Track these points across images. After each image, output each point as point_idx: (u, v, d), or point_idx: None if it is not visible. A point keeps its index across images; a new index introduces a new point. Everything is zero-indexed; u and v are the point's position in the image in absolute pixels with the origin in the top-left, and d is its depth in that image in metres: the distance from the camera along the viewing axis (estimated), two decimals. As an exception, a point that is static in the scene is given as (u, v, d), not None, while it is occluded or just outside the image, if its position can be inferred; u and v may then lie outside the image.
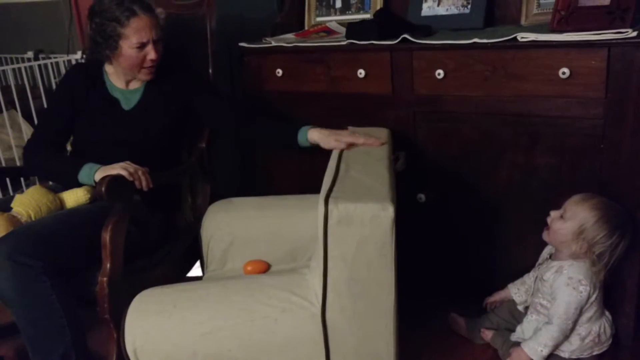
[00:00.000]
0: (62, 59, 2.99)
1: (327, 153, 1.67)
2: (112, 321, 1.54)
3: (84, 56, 1.92)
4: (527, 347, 1.59)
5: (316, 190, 1.46)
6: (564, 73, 1.60)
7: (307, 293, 1.38)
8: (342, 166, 1.50)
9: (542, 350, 1.57)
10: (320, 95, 2.04)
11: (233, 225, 1.83)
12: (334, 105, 2.03)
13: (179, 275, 1.89)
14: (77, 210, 1.68)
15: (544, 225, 1.68)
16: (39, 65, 2.99)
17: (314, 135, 1.74)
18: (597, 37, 1.53)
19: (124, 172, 1.60)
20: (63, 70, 3.00)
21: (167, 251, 1.82)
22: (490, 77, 1.72)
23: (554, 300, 1.58)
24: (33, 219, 1.64)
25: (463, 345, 1.81)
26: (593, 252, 1.55)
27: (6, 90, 2.93)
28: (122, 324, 1.45)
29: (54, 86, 3.05)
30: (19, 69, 2.95)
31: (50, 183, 1.88)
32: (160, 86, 1.88)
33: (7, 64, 3.55)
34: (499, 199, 1.81)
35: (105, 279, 1.53)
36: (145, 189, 1.66)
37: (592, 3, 1.59)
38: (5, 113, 2.86)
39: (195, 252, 1.93)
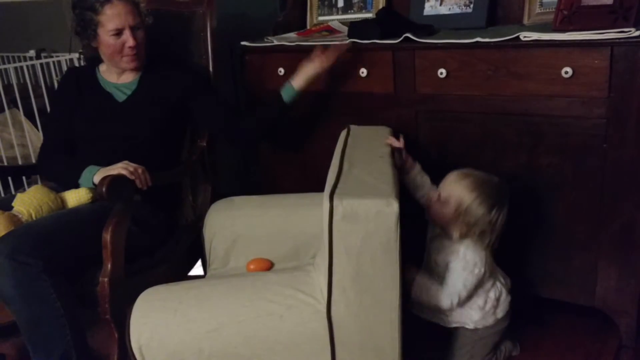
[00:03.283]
0: (64, 57, 2.98)
1: (330, 152, 1.66)
2: (113, 321, 1.54)
3: (81, 55, 1.95)
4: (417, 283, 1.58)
5: (317, 189, 1.47)
6: (566, 72, 1.59)
7: (312, 289, 1.39)
8: (346, 164, 1.50)
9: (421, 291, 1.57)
10: (322, 94, 2.03)
11: (236, 224, 1.84)
12: (335, 104, 2.02)
13: (180, 275, 1.89)
14: (78, 210, 1.68)
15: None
16: (41, 64, 2.99)
17: (300, 82, 1.86)
18: (600, 36, 1.52)
19: (124, 172, 1.60)
20: (65, 69, 3.00)
21: (168, 250, 1.82)
22: (492, 76, 1.71)
23: (449, 277, 1.58)
24: (34, 218, 1.64)
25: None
26: (474, 233, 1.55)
27: (8, 89, 2.94)
28: (128, 321, 1.45)
29: (55, 85, 3.05)
30: (21, 67, 2.95)
31: (52, 183, 1.88)
32: (154, 80, 1.90)
33: (9, 62, 3.55)
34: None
35: (106, 279, 1.52)
36: (144, 187, 1.66)
37: (595, 2, 1.59)
38: (7, 112, 2.86)
39: (196, 251, 1.93)
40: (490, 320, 1.64)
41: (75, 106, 1.89)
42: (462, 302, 1.59)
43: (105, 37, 1.78)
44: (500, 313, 1.65)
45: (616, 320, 1.72)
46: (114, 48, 1.80)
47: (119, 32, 1.77)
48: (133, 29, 1.79)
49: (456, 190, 1.55)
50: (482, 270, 1.56)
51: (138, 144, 1.82)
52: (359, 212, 1.27)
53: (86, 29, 1.79)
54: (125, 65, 1.86)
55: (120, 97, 1.89)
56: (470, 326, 1.64)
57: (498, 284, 1.64)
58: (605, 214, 1.65)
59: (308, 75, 1.87)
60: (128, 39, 1.79)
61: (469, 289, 1.56)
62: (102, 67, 1.94)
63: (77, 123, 1.88)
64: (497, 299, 1.63)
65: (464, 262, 1.56)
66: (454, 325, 1.66)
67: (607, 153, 1.61)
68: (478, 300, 1.62)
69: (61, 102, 1.93)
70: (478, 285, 1.59)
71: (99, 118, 1.86)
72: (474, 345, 1.65)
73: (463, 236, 1.56)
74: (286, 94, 1.88)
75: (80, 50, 1.94)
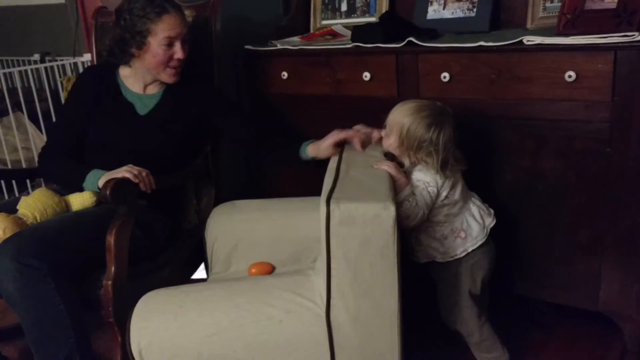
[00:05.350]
0: (68, 61, 3.00)
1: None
2: (117, 324, 1.54)
3: (94, 59, 1.92)
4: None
5: (319, 193, 1.46)
6: (570, 76, 1.59)
7: (311, 294, 1.39)
8: (343, 167, 1.51)
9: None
10: (325, 98, 2.04)
11: (237, 228, 1.83)
12: (339, 108, 2.03)
13: (183, 278, 1.89)
14: (82, 213, 1.68)
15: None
16: (46, 68, 3.00)
17: (310, 151, 1.78)
18: (603, 40, 1.52)
19: (129, 175, 1.60)
20: (69, 73, 3.01)
21: (171, 254, 1.82)
22: (495, 80, 1.71)
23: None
24: (39, 221, 1.64)
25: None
26: (422, 156, 1.57)
27: (13, 93, 2.95)
28: (128, 324, 1.45)
29: (60, 88, 3.06)
30: (26, 71, 2.96)
31: (55, 186, 1.89)
32: (178, 94, 1.87)
33: (13, 66, 3.57)
34: (504, 202, 1.80)
35: (109, 282, 1.52)
36: (148, 190, 1.66)
37: (599, 6, 1.59)
38: (11, 115, 2.88)
39: (199, 255, 1.93)
40: (459, 252, 1.62)
41: (92, 109, 1.85)
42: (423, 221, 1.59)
43: (156, 46, 1.75)
44: (471, 246, 1.63)
45: (620, 325, 1.72)
46: (162, 58, 1.77)
47: (170, 43, 1.75)
48: (183, 42, 1.78)
49: (395, 119, 1.59)
50: (435, 190, 1.56)
51: (153, 155, 1.80)
52: (355, 217, 1.27)
53: (134, 36, 1.75)
54: (166, 78, 1.82)
55: (143, 109, 1.85)
56: (439, 259, 1.64)
57: (467, 214, 1.64)
58: (609, 218, 1.65)
59: (320, 155, 1.77)
60: (178, 50, 1.77)
61: (423, 204, 1.56)
62: (124, 72, 1.89)
63: (92, 129, 1.84)
64: (464, 230, 1.62)
65: (415, 180, 1.58)
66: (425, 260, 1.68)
67: (611, 157, 1.60)
68: (444, 230, 1.62)
69: (77, 103, 1.87)
70: (438, 210, 1.60)
71: (118, 128, 1.82)
72: (451, 279, 1.65)
73: (414, 163, 1.59)
74: (303, 152, 1.82)
75: (100, 56, 1.90)
